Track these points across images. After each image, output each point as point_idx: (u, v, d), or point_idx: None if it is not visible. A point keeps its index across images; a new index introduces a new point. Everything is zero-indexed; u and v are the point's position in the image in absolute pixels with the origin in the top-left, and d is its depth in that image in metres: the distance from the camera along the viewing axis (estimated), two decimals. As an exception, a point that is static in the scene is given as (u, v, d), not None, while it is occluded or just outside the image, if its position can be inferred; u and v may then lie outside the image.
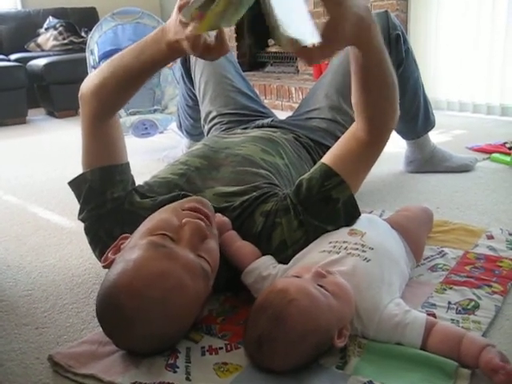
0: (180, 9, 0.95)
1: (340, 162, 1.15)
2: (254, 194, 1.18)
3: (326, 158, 1.18)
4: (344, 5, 0.88)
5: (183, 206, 1.05)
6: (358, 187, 1.18)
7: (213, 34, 0.96)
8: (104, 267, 1.03)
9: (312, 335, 0.86)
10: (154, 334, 0.92)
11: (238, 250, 1.10)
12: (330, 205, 1.12)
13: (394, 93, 1.10)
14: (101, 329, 1.01)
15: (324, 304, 0.89)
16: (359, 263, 1.01)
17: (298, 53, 0.88)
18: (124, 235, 1.08)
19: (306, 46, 0.86)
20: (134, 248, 0.95)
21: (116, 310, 0.89)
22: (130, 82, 1.12)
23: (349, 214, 1.14)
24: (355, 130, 1.16)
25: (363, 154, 1.16)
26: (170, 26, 1.00)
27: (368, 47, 0.99)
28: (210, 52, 0.97)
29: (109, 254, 1.04)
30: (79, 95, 1.20)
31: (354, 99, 1.12)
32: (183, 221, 0.99)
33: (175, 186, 1.24)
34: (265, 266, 1.07)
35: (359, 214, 1.16)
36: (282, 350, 0.86)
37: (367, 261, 1.01)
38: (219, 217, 1.12)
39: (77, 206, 1.23)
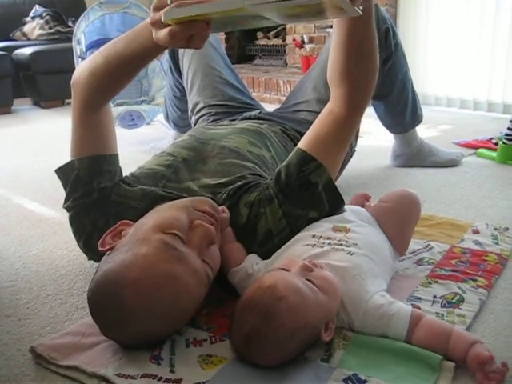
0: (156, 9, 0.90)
1: (316, 146, 1.15)
2: (239, 183, 1.18)
3: (302, 143, 1.18)
4: None
5: (195, 205, 1.04)
6: (336, 170, 1.18)
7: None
8: (101, 251, 0.99)
9: (300, 332, 0.86)
10: (148, 332, 0.91)
11: (228, 253, 1.08)
12: (310, 190, 1.12)
13: (377, 63, 1.14)
14: (84, 320, 1.00)
15: (312, 300, 0.88)
16: (343, 256, 1.01)
17: None
18: (124, 221, 1.05)
19: None
20: (143, 241, 0.93)
21: (117, 302, 0.87)
22: (122, 71, 1.10)
23: (331, 199, 1.14)
24: (331, 108, 1.18)
25: (339, 132, 1.17)
26: None
27: (370, 7, 1.02)
28: (191, 41, 0.90)
29: (106, 238, 1.01)
30: (71, 83, 1.18)
31: (337, 69, 1.14)
32: (195, 223, 0.99)
33: (162, 177, 1.23)
34: (249, 264, 1.06)
35: (341, 198, 1.16)
36: (271, 347, 0.86)
37: (351, 254, 1.01)
38: (221, 212, 1.10)
39: (61, 197, 1.21)
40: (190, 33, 0.87)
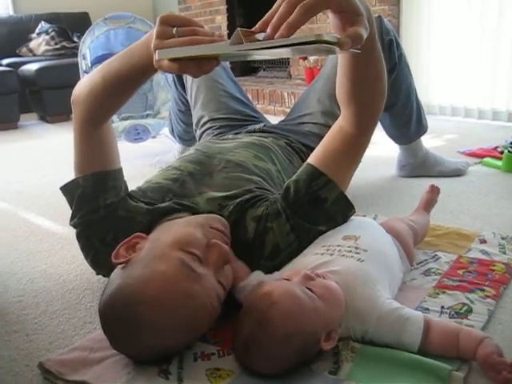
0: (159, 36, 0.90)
1: (326, 161, 1.15)
2: (246, 196, 1.18)
3: (312, 159, 1.18)
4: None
5: (210, 223, 1.05)
6: (346, 184, 1.18)
7: None
8: (115, 264, 0.98)
9: (296, 337, 0.86)
10: (160, 348, 0.91)
11: (233, 269, 1.07)
12: (319, 205, 1.12)
13: (385, 84, 1.11)
14: (92, 335, 1.00)
15: (309, 306, 0.88)
16: (353, 263, 1.01)
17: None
18: (138, 234, 1.05)
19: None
20: (161, 258, 0.93)
21: (133, 318, 0.87)
22: (120, 88, 1.10)
23: (342, 211, 1.15)
24: (341, 125, 1.16)
25: (349, 149, 1.16)
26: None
27: (373, 35, 0.98)
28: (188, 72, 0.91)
29: (120, 250, 1.00)
30: (71, 100, 1.18)
31: (344, 93, 1.11)
32: (211, 241, 0.99)
33: (168, 191, 1.23)
34: (255, 279, 1.06)
35: (353, 209, 1.16)
36: (268, 353, 0.86)
37: (361, 261, 1.01)
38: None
39: (68, 212, 1.21)
40: (185, 72, 0.89)
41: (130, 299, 0.88)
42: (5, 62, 4.47)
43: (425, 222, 1.35)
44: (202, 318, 0.92)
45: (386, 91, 1.12)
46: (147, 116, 2.96)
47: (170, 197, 1.20)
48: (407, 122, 1.90)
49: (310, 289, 0.91)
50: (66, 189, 1.21)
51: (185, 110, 2.11)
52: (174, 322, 0.88)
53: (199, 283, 0.91)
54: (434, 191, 1.43)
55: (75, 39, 4.72)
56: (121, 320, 0.89)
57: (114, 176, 1.21)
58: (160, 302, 0.87)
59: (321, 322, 0.89)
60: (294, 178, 1.17)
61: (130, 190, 1.25)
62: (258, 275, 1.08)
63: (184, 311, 0.89)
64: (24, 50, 4.72)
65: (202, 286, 0.92)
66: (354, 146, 1.17)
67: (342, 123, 1.16)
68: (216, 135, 1.72)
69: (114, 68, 1.07)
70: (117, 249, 1.01)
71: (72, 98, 1.18)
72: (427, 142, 2.12)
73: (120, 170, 1.24)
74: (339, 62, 1.08)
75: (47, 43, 4.67)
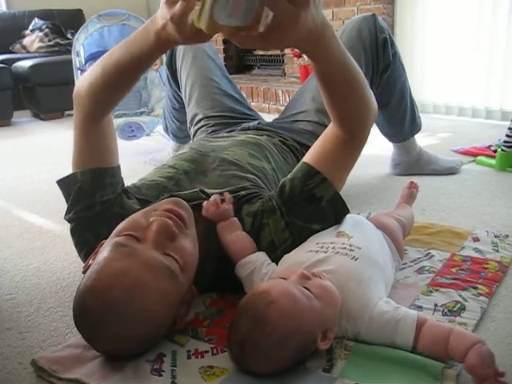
0: None
1: (321, 160, 1.15)
2: (241, 192, 1.18)
3: (308, 157, 1.18)
4: (301, 15, 0.84)
5: (155, 207, 1.05)
6: (341, 184, 1.18)
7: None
8: (84, 273, 1.00)
9: (293, 337, 0.86)
10: (126, 334, 0.90)
11: (234, 241, 1.09)
12: (314, 203, 1.12)
13: (360, 93, 1.08)
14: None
15: (306, 306, 0.88)
16: (347, 262, 1.01)
17: (229, 36, 0.85)
18: (103, 241, 1.06)
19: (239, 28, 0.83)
20: (102, 251, 0.95)
21: (85, 312, 0.89)
22: (120, 79, 1.09)
23: (336, 211, 1.14)
24: (333, 129, 1.15)
25: (343, 151, 1.15)
26: (158, 14, 0.95)
27: (318, 57, 0.97)
28: (199, 34, 0.87)
29: (90, 261, 1.02)
30: (73, 95, 1.18)
31: (326, 106, 1.10)
32: (150, 219, 0.99)
33: (164, 188, 1.23)
34: (260, 263, 1.07)
35: (347, 210, 1.16)
36: (264, 353, 0.86)
37: (355, 259, 1.01)
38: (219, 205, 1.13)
39: (62, 210, 1.21)
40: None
41: (79, 298, 0.90)
42: (-2, 58, 4.45)
43: (410, 215, 1.37)
44: (143, 292, 0.89)
45: (369, 98, 1.10)
46: (141, 113, 2.96)
47: (166, 195, 1.20)
48: (401, 120, 1.90)
49: (307, 288, 0.91)
50: (64, 182, 1.21)
51: (179, 108, 2.10)
52: (116, 303, 0.87)
53: (130, 257, 0.90)
54: (413, 187, 1.45)
55: (69, 36, 4.70)
56: (81, 320, 0.91)
57: (112, 173, 1.21)
58: (98, 288, 0.88)
59: (317, 322, 0.89)
60: (289, 176, 1.17)
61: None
62: (262, 257, 1.09)
63: (119, 290, 0.87)
64: (17, 46, 4.70)
65: (134, 259, 0.90)
66: (348, 149, 1.16)
67: (334, 127, 1.15)
68: (210, 133, 1.72)
69: (114, 58, 1.07)
70: (87, 261, 1.04)
71: (74, 93, 1.18)
72: (421, 140, 2.13)
73: (118, 167, 1.24)
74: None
75: (41, 40, 4.65)
